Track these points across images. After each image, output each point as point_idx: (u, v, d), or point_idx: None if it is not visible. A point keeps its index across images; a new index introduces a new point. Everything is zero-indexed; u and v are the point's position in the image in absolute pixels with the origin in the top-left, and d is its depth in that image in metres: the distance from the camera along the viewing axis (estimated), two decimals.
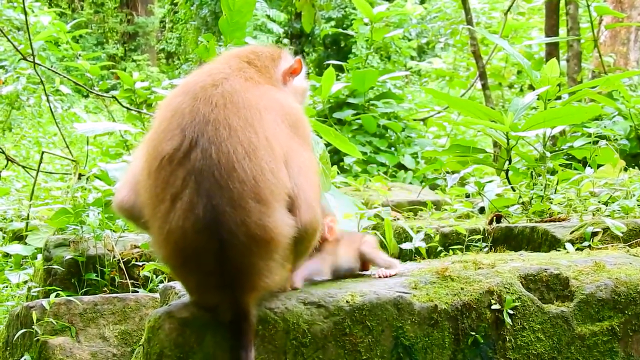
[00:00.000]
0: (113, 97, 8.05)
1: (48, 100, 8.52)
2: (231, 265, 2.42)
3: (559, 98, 5.91)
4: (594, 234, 3.74)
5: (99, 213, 4.63)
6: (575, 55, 10.43)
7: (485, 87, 10.59)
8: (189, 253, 2.43)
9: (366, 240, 3.09)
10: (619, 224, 3.67)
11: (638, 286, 2.91)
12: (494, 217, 4.50)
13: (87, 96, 18.80)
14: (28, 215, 5.87)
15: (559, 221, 4.18)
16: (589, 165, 5.15)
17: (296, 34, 23.41)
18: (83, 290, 4.38)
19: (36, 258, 5.05)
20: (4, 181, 8.48)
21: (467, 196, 6.03)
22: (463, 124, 7.74)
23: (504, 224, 4.40)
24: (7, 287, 5.17)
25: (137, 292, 4.27)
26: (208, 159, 2.42)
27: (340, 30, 17.61)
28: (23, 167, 7.73)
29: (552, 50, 10.97)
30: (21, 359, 3.65)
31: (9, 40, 7.70)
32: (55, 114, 8.31)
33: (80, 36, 22.43)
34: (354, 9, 20.20)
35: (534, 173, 4.97)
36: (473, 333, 2.76)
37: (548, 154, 4.97)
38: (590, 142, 5.28)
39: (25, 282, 4.93)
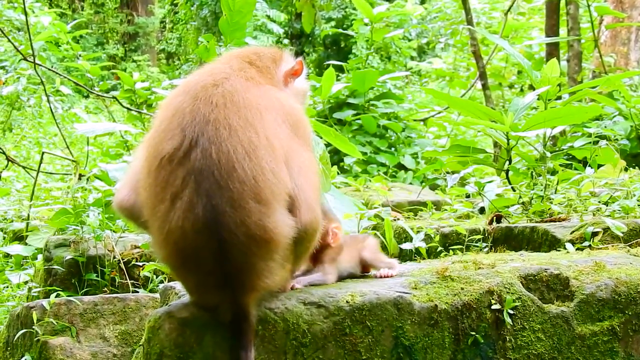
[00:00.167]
0: (113, 97, 8.06)
1: (48, 101, 8.52)
2: (231, 265, 2.42)
3: (559, 98, 5.91)
4: (594, 234, 3.74)
5: (99, 213, 4.63)
6: (576, 55, 10.43)
7: (485, 87, 10.59)
8: (189, 253, 2.43)
9: (368, 244, 3.07)
10: (620, 224, 3.67)
11: (638, 286, 2.91)
12: (494, 217, 4.50)
13: (87, 96, 18.81)
14: (28, 215, 5.87)
15: (559, 221, 4.18)
16: (590, 166, 5.15)
17: (296, 34, 23.41)
18: (83, 291, 4.38)
19: (36, 258, 5.06)
20: (4, 182, 8.48)
21: (467, 196, 6.03)
22: (463, 124, 7.74)
23: (504, 224, 4.40)
24: (7, 287, 5.17)
25: (137, 292, 4.27)
26: (208, 159, 2.42)
27: (340, 30, 17.61)
28: (23, 167, 7.73)
29: (552, 50, 10.96)
30: (21, 359, 3.65)
31: (9, 40, 7.70)
32: (55, 115, 8.31)
33: (81, 36, 22.44)
34: (354, 9, 20.21)
35: (534, 173, 4.97)
36: (473, 333, 2.76)
37: (548, 154, 4.97)
38: (590, 142, 5.28)
39: (26, 282, 4.93)
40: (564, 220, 4.20)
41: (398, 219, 4.81)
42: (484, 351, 2.76)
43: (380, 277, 2.96)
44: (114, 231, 4.64)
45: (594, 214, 4.22)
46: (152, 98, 10.24)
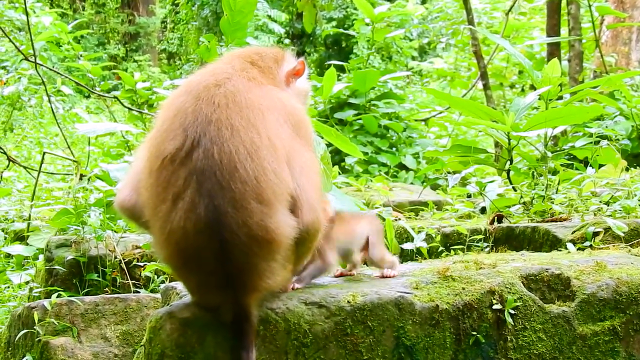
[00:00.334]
0: (114, 97, 8.06)
1: (49, 101, 8.53)
2: (232, 265, 2.42)
3: (560, 98, 5.91)
4: (596, 233, 3.74)
5: (100, 213, 4.63)
6: (577, 55, 10.42)
7: (486, 87, 10.59)
8: (190, 253, 2.43)
9: (372, 242, 3.01)
10: (621, 224, 3.68)
11: (639, 286, 2.91)
12: (495, 217, 4.51)
13: (88, 97, 18.80)
14: (29, 215, 5.88)
15: (560, 221, 4.18)
16: (591, 165, 5.15)
17: (297, 34, 23.40)
18: (84, 291, 4.38)
19: (38, 258, 5.06)
20: (5, 182, 8.47)
21: (469, 196, 6.03)
22: (464, 124, 7.74)
23: (505, 224, 4.40)
24: (8, 287, 5.17)
25: (139, 292, 4.27)
26: (210, 159, 2.42)
27: (341, 30, 17.62)
28: (24, 167, 7.73)
29: (553, 50, 10.95)
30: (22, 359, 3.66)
31: (10, 40, 7.71)
32: (56, 115, 8.32)
33: (82, 37, 22.43)
34: (355, 9, 20.21)
35: (535, 173, 4.97)
36: (474, 333, 2.76)
37: (549, 154, 4.97)
38: (591, 142, 5.28)
39: (27, 282, 4.93)
40: (565, 220, 4.20)
41: (399, 219, 4.82)
42: (485, 351, 2.76)
43: (382, 277, 2.96)
44: (115, 231, 4.64)
45: (595, 214, 4.22)
46: (153, 98, 10.24)
